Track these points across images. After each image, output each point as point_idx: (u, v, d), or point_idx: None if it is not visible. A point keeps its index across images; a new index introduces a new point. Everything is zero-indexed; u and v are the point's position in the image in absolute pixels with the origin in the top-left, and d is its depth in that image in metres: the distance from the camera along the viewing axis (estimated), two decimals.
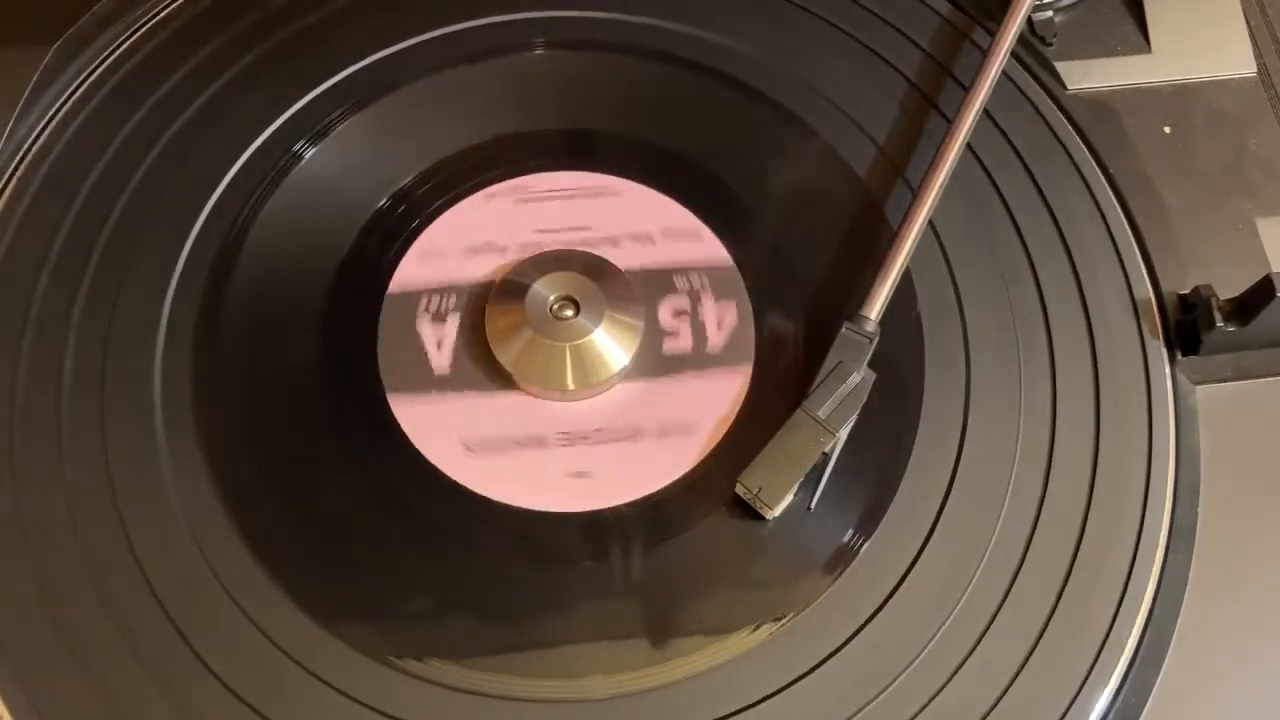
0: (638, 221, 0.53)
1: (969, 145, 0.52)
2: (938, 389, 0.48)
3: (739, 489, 0.45)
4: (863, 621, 0.44)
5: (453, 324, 0.50)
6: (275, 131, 0.53)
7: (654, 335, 0.50)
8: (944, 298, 0.50)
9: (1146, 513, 0.46)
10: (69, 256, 0.50)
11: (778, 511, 0.45)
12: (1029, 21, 0.56)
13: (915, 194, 0.49)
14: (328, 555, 0.45)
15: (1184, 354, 0.50)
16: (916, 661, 0.43)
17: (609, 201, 0.53)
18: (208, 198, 0.51)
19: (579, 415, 0.49)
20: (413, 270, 0.51)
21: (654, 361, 0.50)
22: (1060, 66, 0.56)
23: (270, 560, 0.45)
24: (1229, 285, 0.49)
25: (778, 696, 0.43)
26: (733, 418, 0.49)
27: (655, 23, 0.56)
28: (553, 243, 0.52)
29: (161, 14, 0.56)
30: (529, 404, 0.49)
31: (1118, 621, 0.44)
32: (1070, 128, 0.54)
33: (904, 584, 0.45)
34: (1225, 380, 0.49)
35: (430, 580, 0.45)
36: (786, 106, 0.55)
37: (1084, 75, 0.56)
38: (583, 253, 0.51)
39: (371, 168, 0.53)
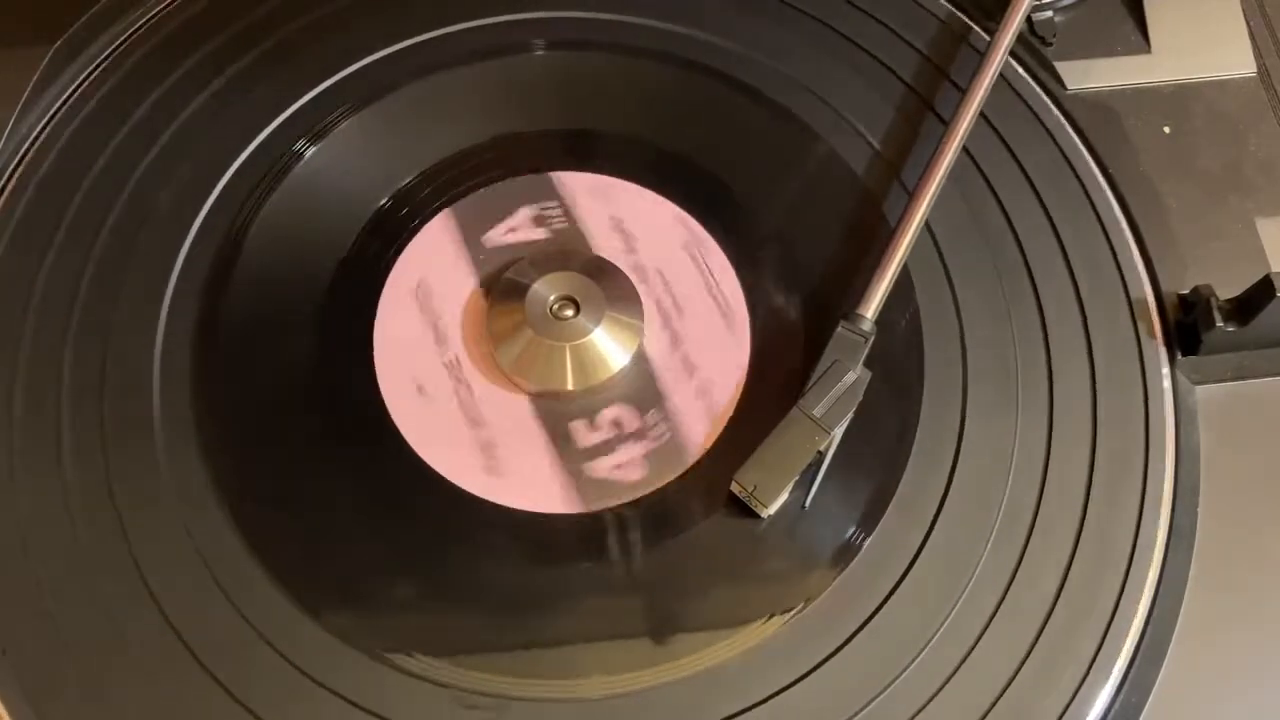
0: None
1: (967, 146, 0.52)
2: (936, 388, 0.48)
3: (734, 487, 0.45)
4: (863, 620, 0.44)
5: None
6: (275, 131, 0.53)
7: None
8: (942, 297, 0.50)
9: (1146, 512, 0.46)
10: (68, 256, 0.50)
11: (773, 510, 0.45)
12: (1029, 21, 0.56)
13: (912, 193, 0.50)
14: (327, 555, 0.45)
15: (1184, 354, 0.50)
16: (916, 661, 0.43)
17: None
18: (207, 197, 0.51)
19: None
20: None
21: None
22: (1060, 66, 0.56)
23: (269, 560, 0.45)
24: (1229, 285, 0.49)
25: (778, 696, 0.43)
26: (730, 415, 0.49)
27: (655, 23, 0.56)
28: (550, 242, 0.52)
29: (161, 13, 0.56)
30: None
31: (1118, 620, 0.44)
32: (1070, 128, 0.54)
33: (904, 583, 0.45)
34: (1225, 380, 0.49)
35: (430, 580, 0.45)
36: (786, 106, 0.55)
37: (1084, 75, 0.56)
38: (583, 252, 0.52)
39: (372, 167, 0.53)
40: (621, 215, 0.53)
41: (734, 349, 0.50)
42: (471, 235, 0.52)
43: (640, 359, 0.50)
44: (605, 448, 0.48)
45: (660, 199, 0.53)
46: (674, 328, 0.51)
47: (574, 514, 0.47)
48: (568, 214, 0.53)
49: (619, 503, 0.47)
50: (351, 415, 0.49)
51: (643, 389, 0.49)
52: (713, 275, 0.52)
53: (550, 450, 0.48)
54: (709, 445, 0.48)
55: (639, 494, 0.47)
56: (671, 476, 0.47)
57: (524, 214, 0.53)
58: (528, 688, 0.43)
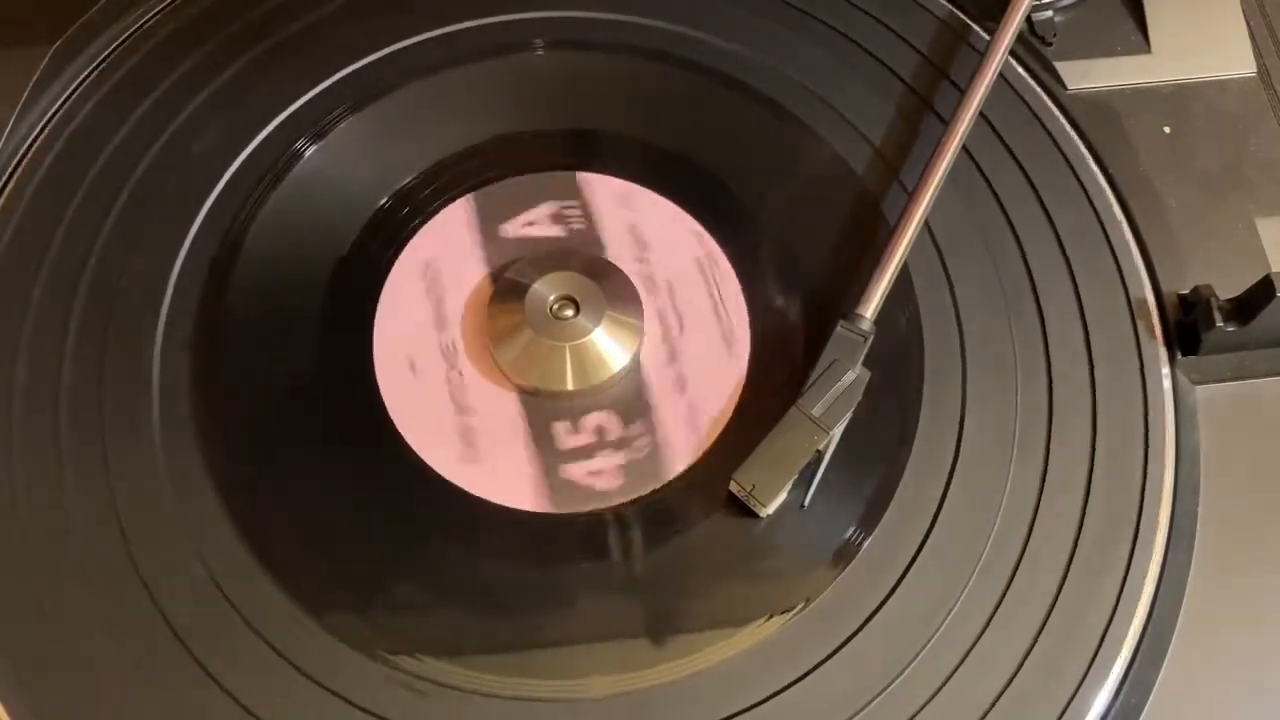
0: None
1: (967, 145, 0.52)
2: (935, 388, 0.48)
3: (733, 486, 0.45)
4: (862, 620, 0.44)
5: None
6: (275, 130, 0.53)
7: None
8: (941, 297, 0.50)
9: (1146, 512, 0.46)
10: (68, 256, 0.50)
11: (771, 509, 0.45)
12: (1029, 21, 0.56)
13: (911, 193, 0.50)
14: (327, 556, 0.45)
15: (1184, 354, 0.50)
16: (916, 661, 0.43)
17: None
18: (207, 196, 0.51)
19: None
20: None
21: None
22: (1060, 66, 0.56)
23: (269, 560, 0.45)
24: (1229, 285, 0.49)
25: (777, 697, 0.43)
26: (730, 415, 0.49)
27: (655, 23, 0.56)
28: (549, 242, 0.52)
29: (161, 13, 0.56)
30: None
31: (1118, 620, 0.44)
32: (1070, 128, 0.54)
33: (903, 582, 0.45)
34: (1225, 380, 0.49)
35: (430, 581, 0.45)
36: (785, 106, 0.55)
37: (1084, 75, 0.56)
38: (583, 253, 0.51)
39: (371, 167, 0.53)
40: (620, 213, 0.53)
41: (734, 348, 0.50)
42: (471, 235, 0.52)
43: (640, 358, 0.50)
44: (603, 445, 0.48)
45: (659, 196, 0.53)
46: (674, 327, 0.51)
47: (574, 513, 0.47)
48: (571, 214, 0.53)
49: (619, 504, 0.47)
50: (350, 416, 0.48)
51: (642, 389, 0.49)
52: (713, 274, 0.52)
53: (550, 449, 0.48)
54: (709, 445, 0.48)
55: (638, 494, 0.47)
56: (672, 476, 0.47)
57: (522, 213, 0.53)
58: (526, 688, 0.43)
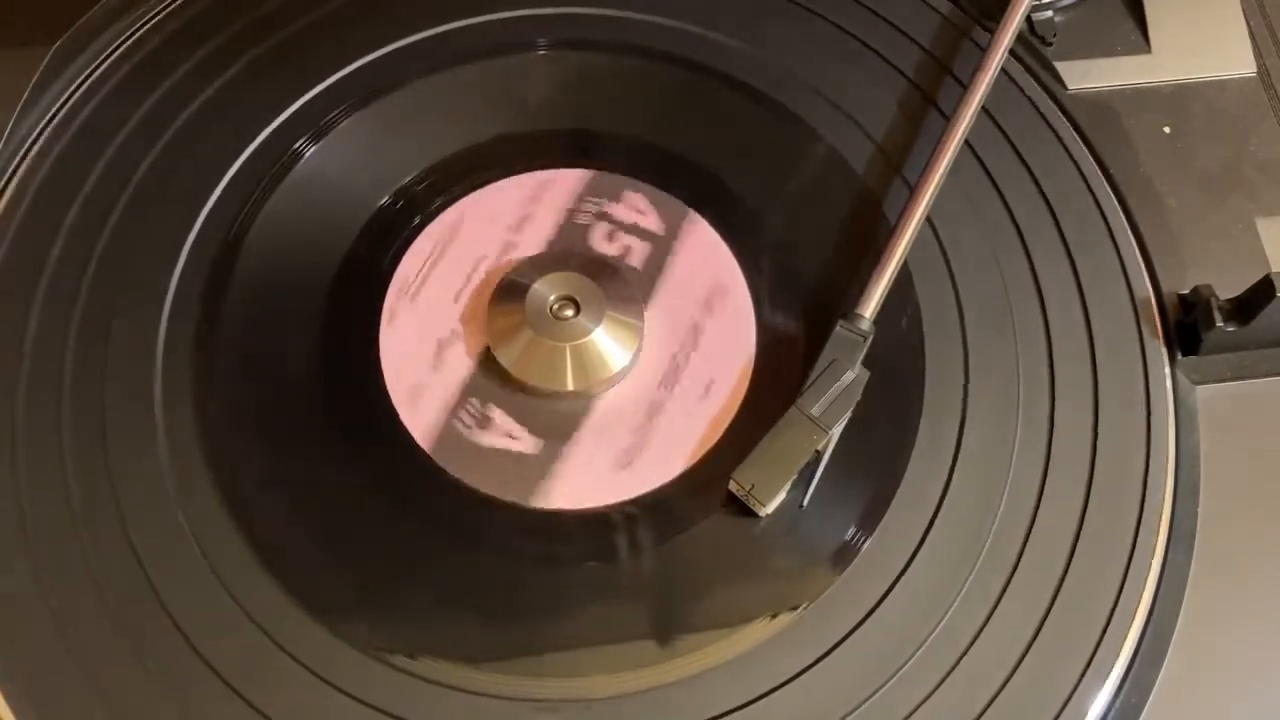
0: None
1: (968, 145, 0.52)
2: (936, 387, 0.48)
3: (732, 486, 0.45)
4: (862, 618, 0.44)
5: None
6: (276, 130, 0.53)
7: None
8: (943, 295, 0.50)
9: (1146, 512, 0.46)
10: (69, 257, 0.50)
11: (770, 509, 0.45)
12: (1029, 21, 0.56)
13: (911, 192, 0.50)
14: (329, 554, 0.45)
15: (1184, 354, 0.50)
16: (913, 660, 0.43)
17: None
18: (208, 197, 0.51)
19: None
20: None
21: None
22: (1060, 66, 0.56)
23: (271, 559, 0.45)
24: (1229, 285, 0.49)
25: (777, 693, 0.43)
26: (729, 415, 0.49)
27: (655, 22, 0.56)
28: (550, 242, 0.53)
29: (162, 13, 0.56)
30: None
31: (1118, 620, 0.44)
32: (1070, 128, 0.54)
33: (902, 582, 0.45)
34: (1225, 380, 0.49)
35: (432, 580, 0.45)
36: (786, 106, 0.55)
37: (1084, 75, 0.56)
38: (583, 253, 0.52)
39: (373, 166, 0.53)
40: (623, 214, 0.53)
41: (735, 348, 0.50)
42: (472, 234, 0.52)
43: (640, 358, 0.50)
44: (604, 446, 0.48)
45: (660, 196, 0.53)
46: (674, 327, 0.51)
47: (574, 512, 0.47)
48: (570, 213, 0.53)
49: (617, 501, 0.47)
50: (356, 415, 0.49)
51: (643, 389, 0.49)
52: (714, 274, 0.52)
53: (550, 448, 0.48)
54: (709, 445, 0.48)
55: (638, 493, 0.47)
56: (672, 476, 0.47)
57: (526, 213, 0.53)
58: (525, 687, 0.43)
